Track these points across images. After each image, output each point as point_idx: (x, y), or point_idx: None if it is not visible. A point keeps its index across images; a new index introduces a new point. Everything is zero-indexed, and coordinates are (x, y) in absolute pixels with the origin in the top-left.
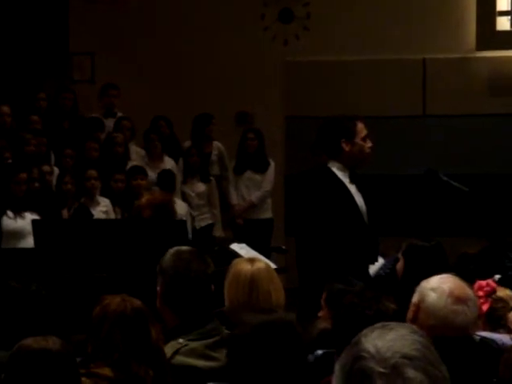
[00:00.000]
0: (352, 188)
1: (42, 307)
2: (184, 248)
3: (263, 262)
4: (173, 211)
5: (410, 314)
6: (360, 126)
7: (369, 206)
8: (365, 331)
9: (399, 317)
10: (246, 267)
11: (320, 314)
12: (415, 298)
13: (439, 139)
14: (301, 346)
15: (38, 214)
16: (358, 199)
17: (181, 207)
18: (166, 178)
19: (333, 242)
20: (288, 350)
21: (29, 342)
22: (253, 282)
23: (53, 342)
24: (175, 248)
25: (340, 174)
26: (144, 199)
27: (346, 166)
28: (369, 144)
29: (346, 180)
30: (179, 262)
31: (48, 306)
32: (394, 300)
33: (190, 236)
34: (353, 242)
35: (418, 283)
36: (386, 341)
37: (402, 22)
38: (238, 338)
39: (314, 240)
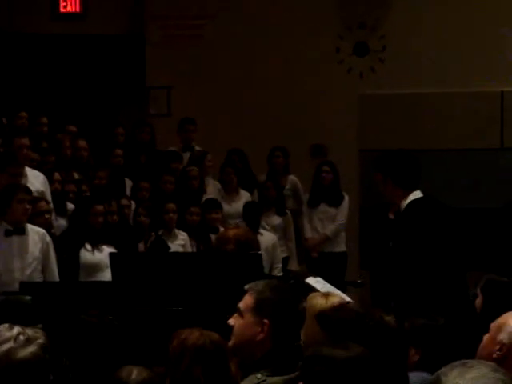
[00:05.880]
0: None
1: (119, 339)
2: (276, 281)
3: (338, 296)
4: (257, 249)
5: (495, 354)
6: None
7: (399, 244)
8: (444, 369)
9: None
10: (321, 302)
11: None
12: (503, 338)
13: None
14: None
15: (115, 247)
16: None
17: (268, 237)
18: (251, 210)
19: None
20: None
21: (125, 372)
22: None
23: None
24: (266, 281)
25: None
26: (231, 232)
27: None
28: None
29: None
30: (283, 295)
31: (126, 338)
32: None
33: (279, 266)
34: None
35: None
36: (466, 380)
37: (479, 54)
38: (321, 373)
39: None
